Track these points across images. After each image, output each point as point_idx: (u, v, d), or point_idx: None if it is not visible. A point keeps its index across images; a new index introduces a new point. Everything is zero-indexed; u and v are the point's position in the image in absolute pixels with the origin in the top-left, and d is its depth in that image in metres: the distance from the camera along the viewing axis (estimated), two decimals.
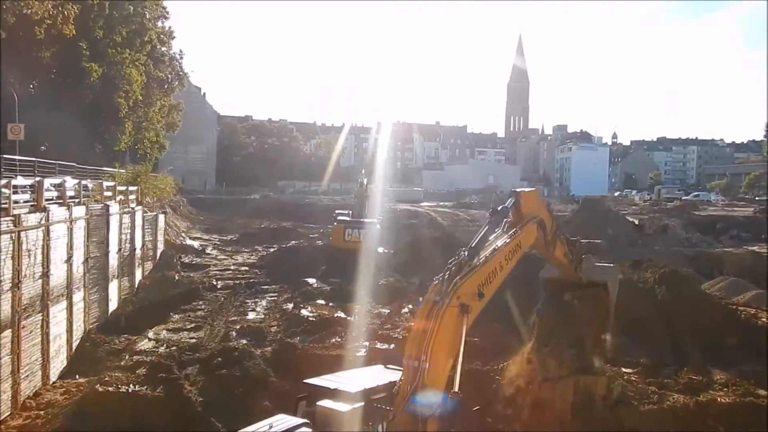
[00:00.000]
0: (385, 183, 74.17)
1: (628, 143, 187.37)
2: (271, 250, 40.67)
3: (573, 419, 13.09)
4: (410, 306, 25.02)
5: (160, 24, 44.35)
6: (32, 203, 16.74)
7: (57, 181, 19.75)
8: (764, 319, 20.46)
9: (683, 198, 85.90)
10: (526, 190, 12.05)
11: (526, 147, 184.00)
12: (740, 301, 23.46)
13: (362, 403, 8.80)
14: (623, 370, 16.84)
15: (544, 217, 11.78)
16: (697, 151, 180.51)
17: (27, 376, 15.39)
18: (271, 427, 8.00)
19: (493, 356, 17.12)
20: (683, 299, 20.99)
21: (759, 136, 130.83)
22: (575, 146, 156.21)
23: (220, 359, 16.78)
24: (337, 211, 39.79)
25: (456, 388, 8.51)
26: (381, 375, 9.94)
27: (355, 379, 9.67)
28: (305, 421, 8.34)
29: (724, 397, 14.93)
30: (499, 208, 11.00)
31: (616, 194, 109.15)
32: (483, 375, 15.86)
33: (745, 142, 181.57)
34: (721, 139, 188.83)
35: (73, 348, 18.83)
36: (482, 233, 10.30)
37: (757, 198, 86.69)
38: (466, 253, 9.56)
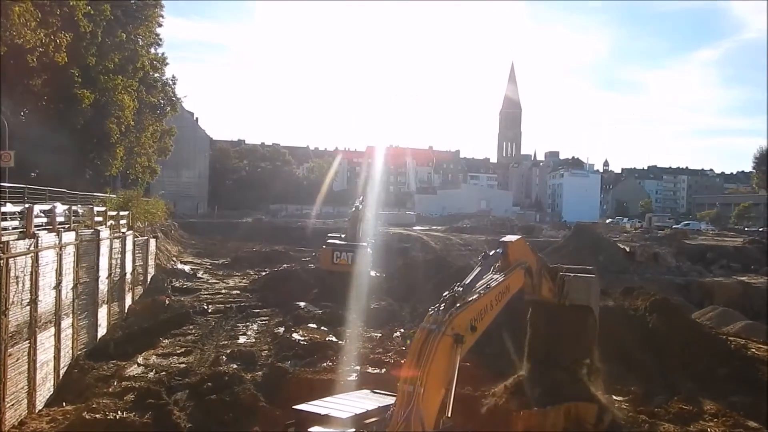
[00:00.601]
0: (377, 207, 74.47)
1: (620, 171, 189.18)
2: (263, 273, 40.57)
3: None
4: (402, 330, 25.00)
5: (152, 50, 44.70)
6: (21, 230, 16.64)
7: (47, 207, 19.67)
8: (754, 350, 20.54)
9: (674, 227, 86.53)
10: (513, 239, 12.89)
11: (518, 173, 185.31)
12: (730, 331, 23.58)
13: (353, 430, 8.81)
14: (614, 397, 16.83)
15: (531, 263, 12.58)
16: (687, 181, 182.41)
17: (12, 404, 15.14)
18: None
19: (485, 381, 17.10)
20: (674, 328, 21.07)
21: (748, 168, 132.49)
22: (567, 173, 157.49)
23: (209, 384, 16.69)
24: (329, 235, 39.88)
25: (448, 414, 8.87)
26: (369, 400, 9.93)
27: (344, 405, 9.68)
28: None
29: (714, 427, 14.95)
30: (491, 254, 11.96)
31: (608, 221, 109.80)
32: (474, 400, 15.82)
33: (734, 173, 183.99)
34: (711, 170, 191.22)
35: (61, 375, 18.60)
36: (475, 273, 11.10)
37: (746, 228, 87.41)
38: (461, 288, 10.14)
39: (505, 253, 12.03)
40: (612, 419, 13.82)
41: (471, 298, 10.15)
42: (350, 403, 9.91)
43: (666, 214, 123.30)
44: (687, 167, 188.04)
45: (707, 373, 19.38)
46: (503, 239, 12.66)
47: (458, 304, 9.80)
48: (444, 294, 9.93)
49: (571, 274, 14.71)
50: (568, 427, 13.27)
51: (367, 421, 9.24)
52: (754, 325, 24.65)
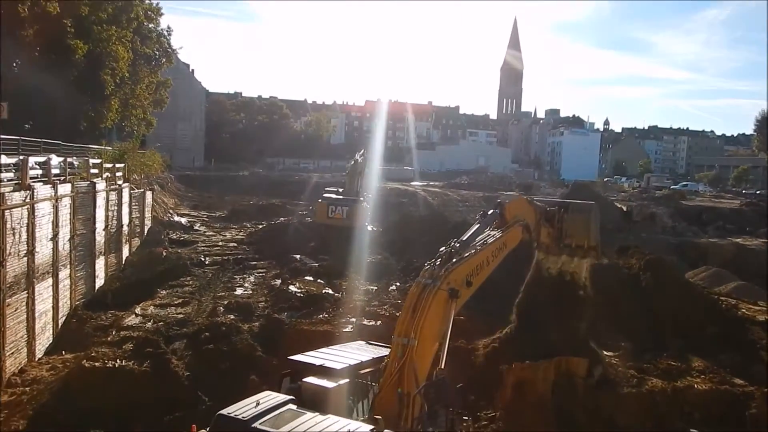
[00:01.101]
0: (376, 161, 74.17)
1: (620, 130, 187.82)
2: (260, 226, 40.66)
3: (553, 400, 13.35)
4: (398, 284, 25.25)
5: (147, 0, 43.72)
6: (16, 182, 16.60)
7: (42, 159, 19.59)
8: (744, 310, 20.80)
9: (672, 187, 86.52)
10: (511, 199, 13.04)
11: (517, 130, 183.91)
12: (722, 291, 23.83)
13: (347, 380, 8.92)
14: (605, 353, 17.12)
15: (529, 219, 12.64)
16: (687, 142, 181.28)
17: (12, 353, 15.39)
18: (257, 404, 7.97)
19: (478, 335, 17.38)
20: (666, 287, 21.28)
21: (749, 130, 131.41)
22: (567, 131, 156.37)
23: (207, 334, 16.93)
24: (327, 189, 39.82)
25: (442, 365, 9.05)
26: (364, 351, 10.08)
27: (339, 356, 9.80)
28: (291, 398, 8.39)
29: (701, 384, 15.25)
30: (489, 213, 12.07)
31: (606, 180, 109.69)
32: (467, 353, 16.09)
33: (735, 135, 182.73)
34: (712, 131, 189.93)
35: (60, 325, 18.83)
36: (473, 230, 11.26)
37: (744, 191, 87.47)
38: (458, 244, 10.30)
39: (502, 213, 12.15)
40: (602, 373, 14.08)
41: (467, 254, 10.33)
42: (345, 354, 10.03)
43: (665, 175, 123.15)
44: (688, 128, 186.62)
45: (697, 332, 19.67)
46: (500, 201, 12.81)
47: (454, 260, 9.93)
48: (441, 249, 10.08)
49: (571, 202, 14.59)
50: (559, 380, 13.54)
51: (362, 371, 9.38)
52: (746, 286, 24.90)
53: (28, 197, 16.31)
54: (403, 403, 8.68)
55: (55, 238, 18.20)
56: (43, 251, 17.36)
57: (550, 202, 13.86)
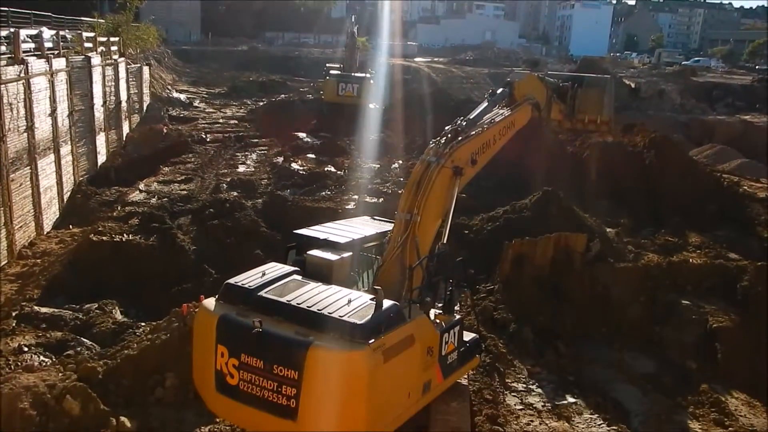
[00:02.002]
0: (378, 37, 71.73)
1: (633, 2, 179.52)
2: (261, 103, 40.07)
3: (551, 274, 13.72)
4: (400, 162, 25.25)
5: None
6: (9, 56, 16.08)
7: (33, 32, 18.86)
8: (746, 187, 20.87)
9: (683, 63, 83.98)
10: (521, 77, 12.36)
11: (526, 3, 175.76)
12: (725, 168, 23.78)
13: (350, 253, 9.03)
14: (606, 229, 17.41)
15: (540, 97, 12.17)
16: (703, 15, 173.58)
17: (21, 226, 15.70)
18: (263, 274, 8.13)
19: (478, 211, 17.61)
20: (669, 165, 21.24)
21: None
22: (578, 3, 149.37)
23: (211, 210, 17.11)
24: (327, 65, 38.71)
25: (444, 240, 9.26)
26: (369, 226, 10.20)
27: (344, 230, 9.87)
28: (296, 269, 8.55)
29: (696, 258, 15.59)
30: (498, 91, 11.65)
31: (615, 56, 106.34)
32: (468, 229, 16.34)
33: (753, 7, 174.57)
34: (730, 3, 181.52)
35: (65, 200, 19.05)
36: (481, 108, 10.90)
37: (757, 67, 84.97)
38: (464, 122, 10.09)
39: (512, 91, 11.82)
40: (599, 249, 14.35)
41: (474, 132, 10.16)
42: (350, 228, 10.10)
43: (676, 50, 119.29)
44: (705, 0, 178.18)
45: (697, 209, 19.89)
46: (510, 78, 12.31)
47: (460, 138, 9.83)
48: (446, 128, 9.96)
49: (585, 76, 13.93)
50: (557, 255, 13.82)
51: (366, 245, 9.53)
52: (750, 164, 24.82)
53: (23, 72, 15.94)
54: (405, 274, 8.92)
55: (53, 114, 18.00)
56: (43, 127, 17.26)
57: (563, 76, 13.36)
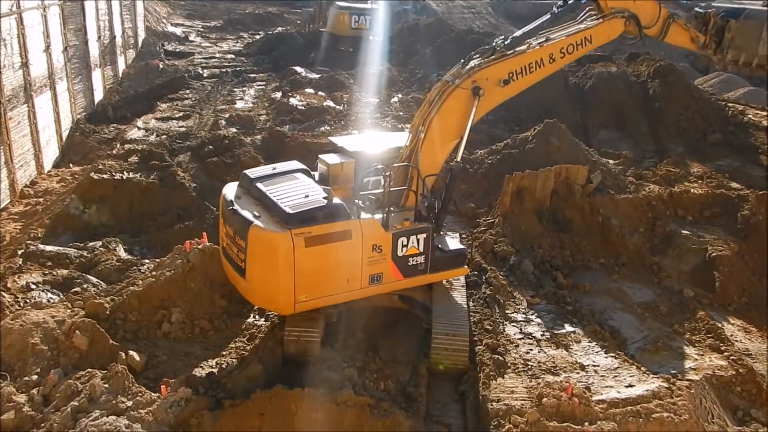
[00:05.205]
0: None
1: None
2: (257, 37, 39.18)
3: (551, 206, 13.75)
4: (400, 95, 24.90)
5: None
6: None
7: None
8: (751, 116, 20.61)
9: None
10: None
11: None
12: (730, 97, 23.40)
13: (353, 160, 9.71)
14: (606, 160, 17.32)
15: (644, 13, 10.79)
16: None
17: (21, 165, 15.66)
18: (273, 169, 9.85)
19: (480, 144, 17.50)
20: (674, 94, 20.95)
21: None
22: None
23: (210, 147, 17.04)
24: None
25: (458, 158, 9.89)
26: (398, 139, 10.45)
27: (368, 141, 10.69)
28: (303, 168, 9.93)
29: (697, 188, 15.58)
30: (569, 1, 10.55)
31: None
32: (469, 162, 16.27)
33: None
34: None
35: (63, 138, 18.91)
36: (539, 22, 10.27)
37: None
38: (508, 39, 9.85)
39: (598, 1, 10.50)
40: (600, 180, 14.33)
41: (512, 52, 9.85)
42: (378, 139, 11.07)
43: None
44: None
45: (700, 139, 19.72)
46: None
47: (492, 57, 9.75)
48: (482, 47, 9.95)
49: (745, 8, 12.33)
50: (558, 187, 13.80)
51: (385, 156, 9.88)
52: (756, 92, 24.35)
53: (14, 6, 15.55)
54: (408, 185, 9.54)
55: (47, 50, 17.67)
56: (38, 63, 16.99)
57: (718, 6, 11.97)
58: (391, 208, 9.20)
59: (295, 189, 9.14)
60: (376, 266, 9.15)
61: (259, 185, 9.35)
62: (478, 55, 9.89)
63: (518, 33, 10.04)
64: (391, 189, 9.17)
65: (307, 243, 8.42)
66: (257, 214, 8.81)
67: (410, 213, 9.55)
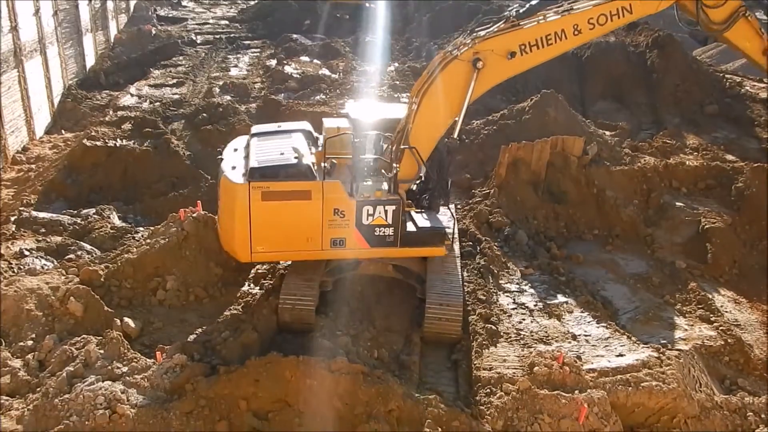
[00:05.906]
0: None
1: None
2: (252, 2, 38.55)
3: (546, 177, 13.73)
4: (396, 64, 24.64)
5: None
6: None
7: None
8: (748, 88, 20.50)
9: None
10: None
11: None
12: (728, 69, 23.22)
13: (349, 126, 9.74)
14: (603, 131, 17.26)
15: None
16: None
17: (12, 131, 15.50)
18: (279, 126, 10.41)
19: (476, 115, 17.36)
20: (671, 65, 20.76)
21: None
22: None
23: (204, 115, 16.89)
24: None
25: (455, 135, 9.91)
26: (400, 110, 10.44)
27: (374, 108, 10.88)
28: (305, 128, 10.27)
29: (692, 160, 15.56)
30: None
31: None
32: (465, 133, 16.16)
33: None
34: None
35: (55, 104, 18.69)
36: None
37: None
38: (524, 8, 9.41)
39: None
40: (596, 152, 14.28)
41: (526, 22, 9.40)
42: (383, 107, 11.66)
43: None
44: None
45: (697, 110, 19.63)
46: None
47: (500, 26, 9.45)
48: (494, 17, 9.96)
49: None
50: (554, 159, 13.76)
51: (387, 124, 9.95)
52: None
53: None
54: (402, 153, 9.50)
55: (37, 14, 17.37)
56: (27, 27, 16.68)
57: None
58: (385, 175, 9.24)
59: (279, 147, 9.47)
60: (338, 230, 9.29)
61: (254, 139, 9.87)
62: (485, 26, 9.58)
63: (535, 1, 9.44)
64: (377, 157, 9.38)
65: (263, 197, 8.88)
66: (235, 166, 9.41)
67: (386, 183, 9.36)
